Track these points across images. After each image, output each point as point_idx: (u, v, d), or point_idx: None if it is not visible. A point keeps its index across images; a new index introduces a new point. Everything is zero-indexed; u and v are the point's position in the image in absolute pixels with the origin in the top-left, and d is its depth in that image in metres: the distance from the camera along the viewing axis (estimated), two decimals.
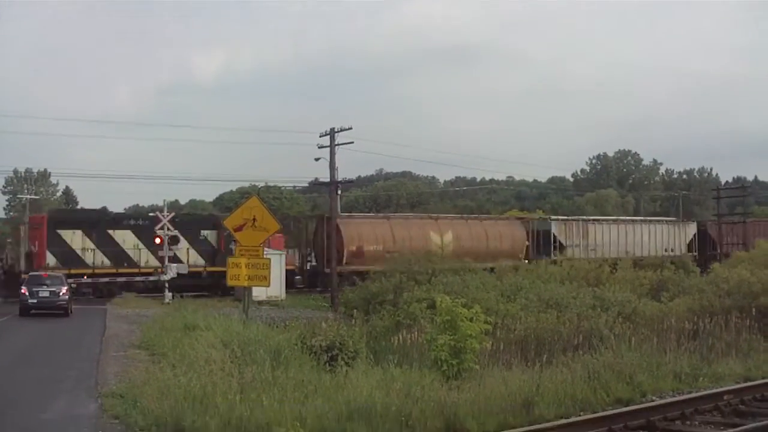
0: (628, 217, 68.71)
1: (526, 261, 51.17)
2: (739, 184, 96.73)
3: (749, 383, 16.80)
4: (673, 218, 69.88)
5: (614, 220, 62.45)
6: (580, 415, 13.86)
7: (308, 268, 48.61)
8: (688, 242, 62.32)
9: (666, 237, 60.90)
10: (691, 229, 63.74)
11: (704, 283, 32.14)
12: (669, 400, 15.14)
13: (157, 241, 40.32)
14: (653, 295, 34.99)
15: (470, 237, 51.28)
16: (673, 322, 24.06)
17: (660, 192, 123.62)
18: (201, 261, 43.98)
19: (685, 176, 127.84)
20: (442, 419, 12.80)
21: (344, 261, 45.86)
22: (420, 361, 19.19)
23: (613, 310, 27.56)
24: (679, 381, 17.20)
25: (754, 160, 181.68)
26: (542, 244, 54.52)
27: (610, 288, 32.91)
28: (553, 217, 62.37)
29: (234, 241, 23.92)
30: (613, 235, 58.08)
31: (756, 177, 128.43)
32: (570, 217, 62.38)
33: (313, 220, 51.67)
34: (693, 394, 15.63)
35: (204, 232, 44.82)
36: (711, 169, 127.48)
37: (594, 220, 60.97)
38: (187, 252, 43.47)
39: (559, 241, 55.41)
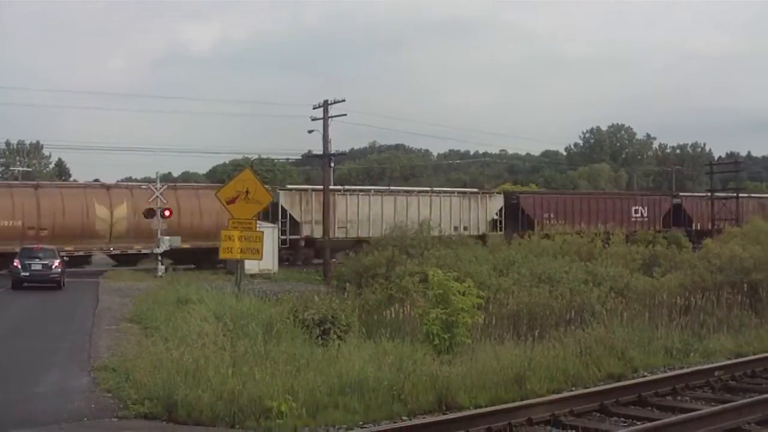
0: (403, 188, 58.76)
1: None
2: (733, 159, 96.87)
3: (740, 359, 16.85)
4: (475, 189, 59.78)
5: (379, 191, 51.62)
6: (572, 390, 13.91)
7: None
8: (491, 218, 53.43)
9: (459, 212, 51.71)
10: (497, 202, 54.36)
11: (696, 259, 32.18)
12: (660, 375, 15.15)
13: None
14: (645, 270, 35.01)
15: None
16: (665, 298, 24.11)
17: (653, 167, 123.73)
18: None
19: (678, 151, 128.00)
20: (434, 393, 12.84)
21: None
22: (412, 335, 19.22)
23: (605, 285, 27.62)
24: (671, 356, 17.24)
25: (748, 136, 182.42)
26: (271, 220, 44.40)
27: (603, 263, 32.96)
28: (289, 186, 51.69)
29: None
30: (375, 210, 48.36)
31: (749, 152, 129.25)
32: (308, 187, 51.21)
33: None
34: (684, 370, 15.63)
35: None
36: (704, 145, 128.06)
37: (346, 190, 49.91)
38: None
39: (291, 217, 46.17)
